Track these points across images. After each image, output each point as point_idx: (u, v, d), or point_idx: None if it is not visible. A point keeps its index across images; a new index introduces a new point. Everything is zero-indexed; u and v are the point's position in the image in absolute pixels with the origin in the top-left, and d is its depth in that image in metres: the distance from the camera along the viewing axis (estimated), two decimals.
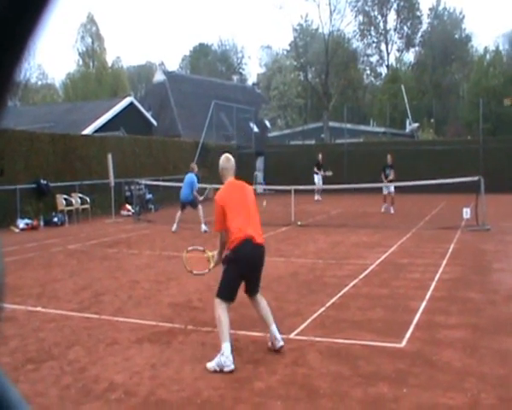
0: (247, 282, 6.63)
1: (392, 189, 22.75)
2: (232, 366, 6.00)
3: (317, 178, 30.42)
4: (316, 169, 30.56)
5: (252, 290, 6.71)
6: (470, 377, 5.61)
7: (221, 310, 6.34)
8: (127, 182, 25.82)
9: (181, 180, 25.60)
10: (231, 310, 8.30)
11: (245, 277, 6.58)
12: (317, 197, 29.35)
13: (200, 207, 18.01)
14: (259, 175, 36.96)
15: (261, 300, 6.75)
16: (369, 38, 64.46)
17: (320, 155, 30.95)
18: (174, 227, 17.92)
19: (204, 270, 7.36)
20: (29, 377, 5.92)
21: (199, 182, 18.52)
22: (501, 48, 59.96)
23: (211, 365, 6.07)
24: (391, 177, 22.57)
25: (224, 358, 6.02)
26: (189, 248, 7.74)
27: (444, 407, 4.99)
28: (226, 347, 6.10)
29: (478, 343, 6.63)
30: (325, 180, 29.96)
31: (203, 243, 14.28)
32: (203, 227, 17.67)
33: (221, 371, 5.99)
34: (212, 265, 7.17)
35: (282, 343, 6.54)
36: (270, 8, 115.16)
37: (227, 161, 7.10)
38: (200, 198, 18.46)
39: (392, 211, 22.63)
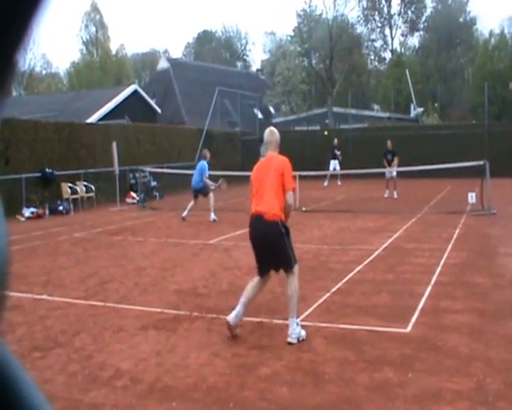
0: (268, 258, 6.64)
1: (394, 174, 22.65)
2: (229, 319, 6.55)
3: (333, 164, 30.17)
4: (335, 153, 30.20)
5: (275, 266, 6.69)
6: (476, 362, 5.61)
7: (250, 281, 6.79)
8: (132, 170, 25.79)
9: (185, 167, 25.66)
10: (235, 295, 8.32)
11: (260, 252, 6.67)
12: (326, 183, 29.13)
13: (211, 195, 17.56)
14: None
15: (289, 284, 6.56)
16: (373, 23, 64.05)
17: (336, 140, 30.79)
18: (185, 213, 17.55)
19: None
20: (36, 365, 5.95)
21: (210, 169, 18.14)
22: (506, 31, 59.53)
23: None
24: (395, 162, 22.49)
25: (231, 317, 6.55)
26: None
27: (449, 391, 4.99)
28: (238, 304, 6.57)
29: (484, 328, 6.63)
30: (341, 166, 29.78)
31: (207, 230, 14.34)
32: (212, 216, 17.36)
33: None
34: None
35: (290, 340, 6.30)
36: None
37: (270, 134, 7.03)
38: (212, 186, 18.07)
39: (395, 196, 22.58)
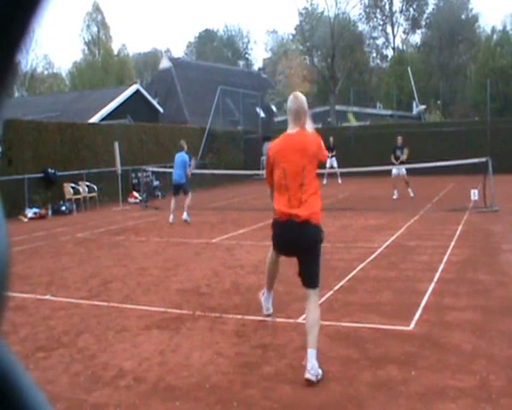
0: (298, 262, 5.68)
1: (403, 171, 21.86)
2: (267, 311, 7.18)
3: (330, 162, 30.14)
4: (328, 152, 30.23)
5: (303, 278, 5.67)
6: (479, 359, 5.60)
7: (269, 256, 6.76)
8: (134, 169, 25.84)
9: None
10: (238, 294, 8.33)
11: (285, 253, 6.05)
12: (325, 181, 29.08)
13: (190, 194, 16.72)
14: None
15: (311, 307, 5.54)
16: (375, 21, 64.13)
17: (331, 138, 30.74)
18: (171, 218, 16.62)
19: None
20: (39, 365, 5.96)
21: (190, 160, 17.18)
22: (508, 28, 59.44)
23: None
24: (404, 157, 21.86)
25: (263, 302, 7.12)
26: None
27: (453, 389, 4.98)
28: (265, 292, 7.13)
29: (487, 325, 6.62)
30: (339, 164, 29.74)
31: (210, 229, 14.34)
32: (184, 215, 16.51)
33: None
34: None
35: (309, 377, 5.19)
36: None
37: (294, 100, 5.51)
38: (189, 172, 17.08)
39: (411, 194, 21.62)
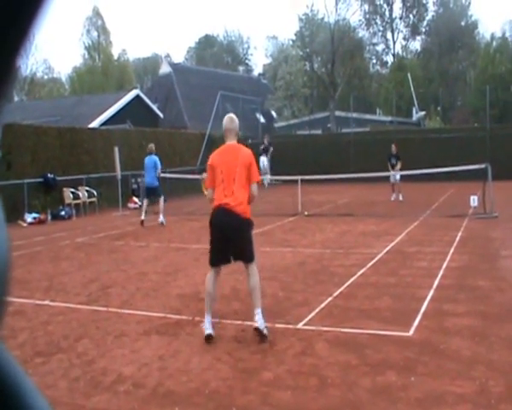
0: (231, 248, 6.72)
1: (398, 177, 22.69)
2: (209, 331, 6.64)
3: (261, 162, 31.04)
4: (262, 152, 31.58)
5: (237, 257, 6.80)
6: (479, 365, 5.60)
7: (208, 277, 6.82)
8: (134, 175, 25.83)
9: (188, 172, 25.63)
10: (238, 300, 8.33)
11: (224, 243, 6.70)
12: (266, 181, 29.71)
13: (162, 198, 17.44)
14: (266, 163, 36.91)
15: (253, 275, 6.74)
16: (375, 27, 64.11)
17: (265, 139, 32.18)
18: (142, 215, 17.38)
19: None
20: (38, 370, 5.95)
21: (161, 164, 17.72)
22: (507, 34, 59.58)
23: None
24: (398, 167, 22.60)
25: (204, 325, 6.74)
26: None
27: (452, 395, 4.98)
28: (206, 317, 6.73)
29: (486, 331, 6.62)
30: (272, 165, 31.03)
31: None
32: (161, 218, 17.35)
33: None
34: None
35: (258, 325, 6.54)
36: None
37: (230, 121, 6.93)
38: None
39: (400, 198, 22.57)
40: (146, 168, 17.56)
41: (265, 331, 6.56)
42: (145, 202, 17.65)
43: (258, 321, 6.51)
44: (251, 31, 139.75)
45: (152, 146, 17.78)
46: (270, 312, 7.53)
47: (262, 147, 32.85)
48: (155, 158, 17.34)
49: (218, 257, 6.76)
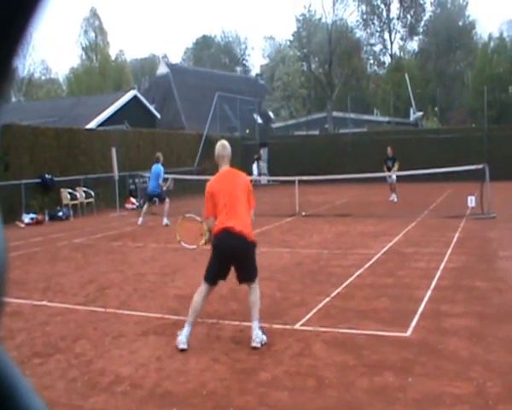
0: (235, 270, 6.70)
1: (394, 177, 22.71)
2: (182, 346, 6.39)
3: (254, 168, 31.40)
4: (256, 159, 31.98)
5: (241, 279, 6.73)
6: (476, 366, 5.60)
7: (199, 291, 6.67)
8: (131, 175, 25.83)
9: (185, 173, 25.65)
10: (235, 301, 8.33)
11: (227, 265, 6.65)
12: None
13: (167, 200, 17.72)
14: (263, 166, 36.93)
15: (253, 292, 6.67)
16: (373, 28, 64.12)
17: (261, 151, 32.65)
18: (140, 221, 17.72)
19: (193, 245, 7.36)
20: (36, 371, 5.94)
21: (164, 172, 18.27)
22: (505, 35, 59.58)
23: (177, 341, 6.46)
24: (395, 168, 22.59)
25: (180, 337, 6.45)
26: (187, 215, 7.74)
27: (449, 395, 4.98)
28: (185, 328, 6.50)
29: (484, 332, 6.62)
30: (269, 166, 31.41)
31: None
32: (165, 220, 17.48)
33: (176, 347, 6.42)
34: (203, 241, 7.12)
35: (255, 345, 6.40)
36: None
37: (223, 148, 6.99)
38: (164, 187, 18.20)
39: (395, 200, 22.61)
40: (151, 175, 18.05)
41: (262, 343, 6.48)
42: (146, 206, 17.91)
43: (256, 339, 6.43)
44: (248, 31, 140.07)
45: (159, 155, 18.19)
46: (268, 312, 7.53)
47: (256, 156, 33.20)
48: (160, 168, 17.75)
49: (218, 277, 6.71)
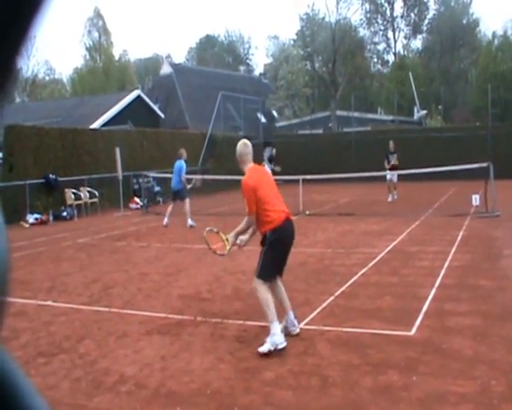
0: (282, 259, 6.78)
1: (395, 178, 22.52)
2: (285, 343, 6.23)
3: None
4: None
5: (282, 270, 6.86)
6: (480, 365, 5.59)
7: (264, 290, 6.49)
8: (135, 175, 25.86)
9: (189, 172, 25.64)
10: (239, 300, 8.34)
11: (286, 255, 6.74)
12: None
13: (187, 200, 17.36)
14: (267, 165, 36.91)
15: (281, 284, 6.86)
16: (376, 26, 64.05)
17: (271, 149, 31.90)
18: (165, 221, 17.50)
19: (223, 252, 7.26)
20: (40, 371, 5.96)
21: (187, 168, 18.16)
22: (509, 33, 59.32)
23: (264, 348, 6.16)
24: (393, 162, 22.49)
25: (277, 337, 6.20)
26: (207, 229, 7.74)
27: (454, 394, 4.98)
28: (276, 326, 6.27)
29: (488, 331, 6.61)
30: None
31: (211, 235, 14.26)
32: (189, 222, 17.13)
33: (275, 349, 6.13)
34: (228, 248, 7.09)
35: (298, 330, 6.77)
36: None
37: (245, 146, 7.14)
38: (188, 186, 18.09)
39: (395, 197, 22.57)
40: (173, 171, 18.00)
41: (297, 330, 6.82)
42: (171, 206, 17.76)
43: (296, 326, 6.80)
44: (252, 31, 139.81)
45: (182, 151, 18.14)
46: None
47: (268, 156, 32.88)
48: (182, 164, 17.69)
49: (278, 272, 6.80)
